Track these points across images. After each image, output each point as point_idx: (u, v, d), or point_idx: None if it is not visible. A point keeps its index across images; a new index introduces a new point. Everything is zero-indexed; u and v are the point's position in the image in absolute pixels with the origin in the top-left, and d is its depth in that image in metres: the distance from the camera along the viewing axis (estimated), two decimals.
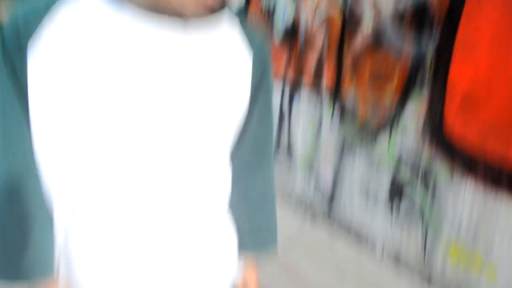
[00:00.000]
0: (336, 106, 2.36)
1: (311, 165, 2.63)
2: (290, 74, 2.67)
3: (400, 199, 2.08)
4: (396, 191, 2.09)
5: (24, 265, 0.83)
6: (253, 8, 2.92)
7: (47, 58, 0.72)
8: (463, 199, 1.81)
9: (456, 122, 1.79)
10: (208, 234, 0.95)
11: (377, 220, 2.24)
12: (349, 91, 2.26)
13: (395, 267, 2.17)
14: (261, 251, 1.09)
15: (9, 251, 0.82)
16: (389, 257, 2.21)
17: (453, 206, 1.86)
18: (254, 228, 1.07)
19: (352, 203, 2.38)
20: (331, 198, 2.52)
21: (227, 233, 1.02)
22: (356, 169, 2.30)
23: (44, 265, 0.84)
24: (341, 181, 2.42)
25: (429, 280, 2.02)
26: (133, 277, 0.89)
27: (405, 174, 2.04)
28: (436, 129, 1.87)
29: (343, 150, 2.37)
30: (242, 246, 1.08)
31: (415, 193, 2.01)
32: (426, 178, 1.94)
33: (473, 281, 1.84)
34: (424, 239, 2.01)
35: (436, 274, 1.99)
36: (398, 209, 2.11)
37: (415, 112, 1.95)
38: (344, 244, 2.40)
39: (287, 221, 2.68)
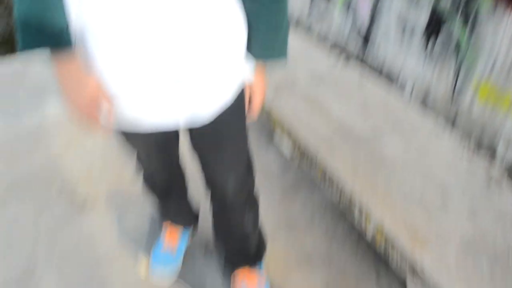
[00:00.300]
0: None
1: (349, 1, 2.47)
2: None
3: (436, 35, 1.93)
4: (434, 26, 1.93)
5: (42, 33, 0.87)
6: None
7: None
8: (503, 34, 1.64)
9: None
10: (217, 20, 0.95)
11: (410, 59, 2.13)
12: None
13: (421, 108, 2.12)
14: (268, 59, 1.10)
15: (27, 19, 0.86)
16: (417, 98, 2.15)
17: (491, 41, 1.70)
18: (262, 33, 1.06)
19: (387, 42, 2.26)
20: (366, 38, 2.40)
21: (236, 24, 1.01)
22: (395, 3, 2.13)
23: (62, 35, 0.88)
24: (378, 18, 2.27)
25: (453, 121, 1.98)
26: (142, 55, 0.91)
27: (446, 5, 1.86)
28: None
29: None
30: (250, 50, 1.08)
31: (453, 27, 1.84)
32: (467, 10, 1.76)
33: (498, 122, 1.77)
34: (455, 78, 1.91)
35: (462, 114, 1.93)
36: (433, 46, 1.97)
37: None
38: (374, 84, 2.34)
39: (319, 61, 2.63)
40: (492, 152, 1.83)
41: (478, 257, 1.43)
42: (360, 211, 1.67)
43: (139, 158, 1.45)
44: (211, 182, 1.40)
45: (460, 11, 1.80)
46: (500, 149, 1.79)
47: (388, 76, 2.31)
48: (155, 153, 1.40)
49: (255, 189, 1.48)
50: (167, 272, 1.74)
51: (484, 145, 1.86)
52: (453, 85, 1.93)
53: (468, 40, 1.80)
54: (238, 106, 1.17)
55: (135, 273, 1.84)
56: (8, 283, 1.92)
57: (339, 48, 2.67)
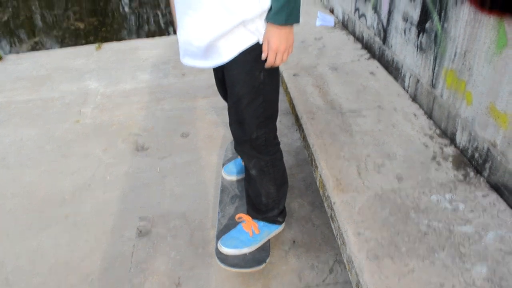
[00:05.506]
0: None
1: (376, 4, 2.65)
2: None
3: (424, 28, 2.06)
4: (423, 20, 2.06)
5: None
6: None
7: None
8: (461, 23, 1.74)
9: None
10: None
11: (408, 52, 2.25)
12: None
13: (413, 97, 2.23)
14: (269, 21, 1.40)
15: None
16: (412, 88, 2.26)
17: (454, 31, 1.79)
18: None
19: (396, 39, 2.39)
20: (385, 36, 2.55)
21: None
22: (402, 1, 2.28)
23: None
24: (391, 17, 2.42)
25: (431, 109, 2.06)
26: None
27: None
28: None
29: None
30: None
31: (434, 19, 1.96)
32: (441, 1, 1.88)
33: (457, 107, 1.84)
34: (433, 67, 2.01)
35: (436, 101, 2.02)
36: (422, 38, 2.09)
37: None
38: (382, 76, 2.49)
39: (345, 55, 2.84)
40: (453, 137, 1.90)
41: (381, 207, 1.58)
42: (315, 163, 1.92)
43: None
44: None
45: (437, 3, 1.93)
46: (458, 134, 1.86)
47: (396, 70, 2.45)
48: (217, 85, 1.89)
49: (266, 141, 1.66)
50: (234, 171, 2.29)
51: (448, 131, 1.93)
52: (432, 74, 2.03)
53: (442, 31, 1.91)
54: (245, 60, 1.48)
55: None
56: (75, 188, 2.58)
57: (367, 46, 2.86)
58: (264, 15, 1.42)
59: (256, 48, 1.47)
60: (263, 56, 1.46)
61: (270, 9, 1.40)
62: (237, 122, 1.63)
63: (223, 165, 2.42)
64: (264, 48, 1.45)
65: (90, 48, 4.62)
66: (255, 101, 1.56)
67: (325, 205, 1.79)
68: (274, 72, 1.56)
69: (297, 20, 1.41)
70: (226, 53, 1.48)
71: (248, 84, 1.53)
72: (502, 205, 1.57)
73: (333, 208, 1.64)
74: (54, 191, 2.49)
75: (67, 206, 2.37)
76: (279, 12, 1.37)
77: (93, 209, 2.34)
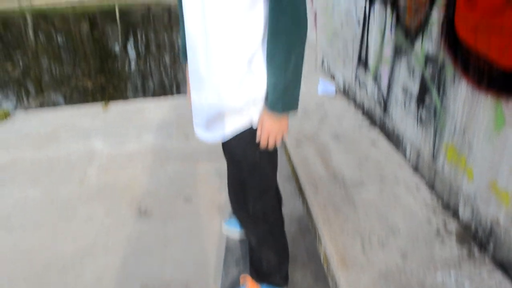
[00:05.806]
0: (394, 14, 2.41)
1: (376, 74, 2.74)
2: None
3: (424, 101, 2.12)
4: (422, 94, 2.12)
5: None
6: None
7: None
8: (459, 100, 1.79)
9: (459, 22, 1.76)
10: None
11: (409, 124, 2.30)
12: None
13: (414, 168, 2.25)
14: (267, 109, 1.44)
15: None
16: (413, 159, 2.29)
17: (453, 107, 1.84)
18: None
19: (396, 109, 2.45)
20: (385, 106, 2.62)
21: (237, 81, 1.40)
22: (401, 74, 2.36)
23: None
24: (391, 88, 2.50)
25: (433, 182, 2.08)
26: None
27: (428, 74, 2.06)
28: (449, 31, 1.84)
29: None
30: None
31: (433, 93, 2.02)
32: (440, 78, 1.94)
33: (459, 182, 1.86)
34: (434, 140, 2.05)
35: (438, 174, 2.03)
36: (422, 111, 2.15)
37: (437, 17, 1.94)
38: (383, 145, 2.53)
39: (347, 123, 2.90)
40: (456, 211, 1.90)
41: (386, 287, 1.56)
42: (318, 236, 1.91)
43: None
44: None
45: (435, 79, 1.99)
46: (460, 208, 1.86)
47: (397, 140, 2.49)
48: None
49: (264, 214, 1.69)
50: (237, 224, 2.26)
51: (451, 205, 1.94)
52: (433, 147, 2.07)
53: (441, 106, 1.97)
54: (241, 140, 1.52)
55: None
56: (76, 253, 2.54)
57: (368, 114, 2.92)
58: (258, 103, 1.45)
59: (252, 131, 1.50)
60: (258, 137, 1.49)
61: (267, 96, 1.41)
62: (234, 194, 1.70)
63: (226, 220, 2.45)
64: (259, 129, 1.47)
65: (96, 107, 4.72)
66: (251, 178, 1.60)
67: (329, 280, 1.77)
68: (271, 150, 1.59)
69: (294, 108, 1.41)
70: (223, 131, 1.53)
71: (245, 162, 1.57)
72: (507, 284, 1.54)
73: (338, 287, 1.61)
74: (54, 256, 2.46)
75: (67, 273, 2.33)
76: (276, 103, 1.38)
77: (94, 276, 2.29)
